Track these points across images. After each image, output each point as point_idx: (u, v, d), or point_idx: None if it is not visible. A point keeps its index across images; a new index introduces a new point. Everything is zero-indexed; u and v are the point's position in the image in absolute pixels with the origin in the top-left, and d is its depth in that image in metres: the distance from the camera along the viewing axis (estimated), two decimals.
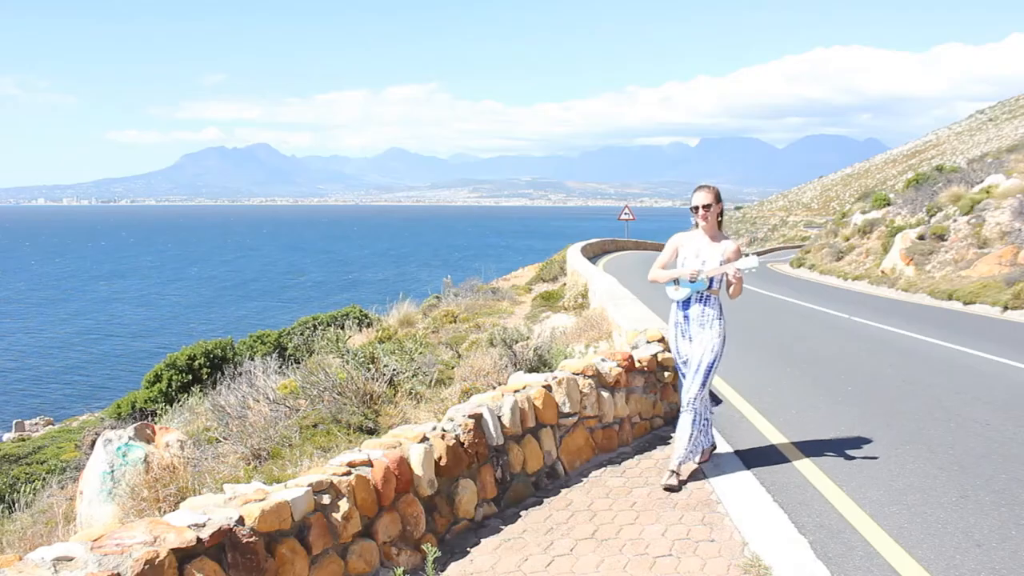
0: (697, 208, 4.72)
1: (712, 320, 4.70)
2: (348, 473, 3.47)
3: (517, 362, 7.09)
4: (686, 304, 4.75)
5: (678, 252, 4.79)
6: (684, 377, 4.83)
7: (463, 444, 4.16)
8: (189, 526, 2.72)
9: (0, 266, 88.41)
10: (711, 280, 4.66)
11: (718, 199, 4.76)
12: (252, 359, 9.25)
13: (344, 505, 3.33)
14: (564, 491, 4.70)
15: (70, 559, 2.42)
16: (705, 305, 4.70)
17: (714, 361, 4.68)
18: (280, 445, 5.66)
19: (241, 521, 2.88)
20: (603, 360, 5.67)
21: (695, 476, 4.94)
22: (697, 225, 4.79)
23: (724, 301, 4.98)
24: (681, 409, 4.79)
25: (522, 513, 4.36)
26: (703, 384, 4.68)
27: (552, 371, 5.82)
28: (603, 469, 5.11)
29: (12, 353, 39.79)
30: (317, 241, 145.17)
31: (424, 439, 3.94)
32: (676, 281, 4.73)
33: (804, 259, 30.68)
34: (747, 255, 4.49)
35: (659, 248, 46.03)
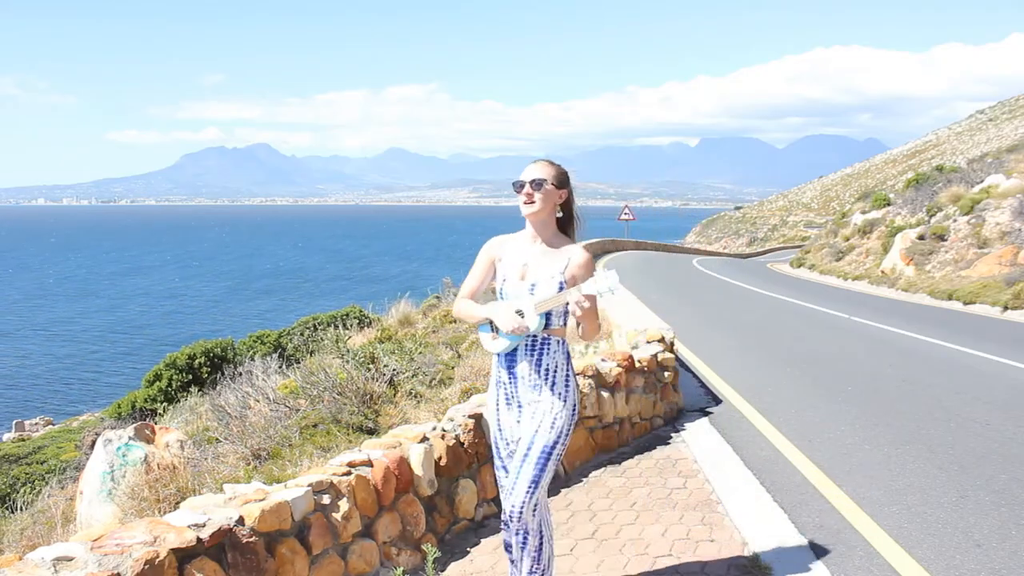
0: (522, 185, 2.92)
1: (553, 378, 2.91)
2: (348, 473, 3.47)
3: None
4: (511, 357, 2.94)
5: (495, 269, 3.03)
6: (502, 474, 3.02)
7: (463, 444, 4.16)
8: (189, 526, 2.72)
9: (1, 265, 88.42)
10: (548, 315, 2.88)
11: (563, 183, 2.97)
12: (252, 359, 9.26)
13: (344, 505, 3.33)
14: (564, 491, 4.70)
15: (70, 559, 2.42)
16: (541, 354, 2.90)
17: (555, 444, 2.86)
18: (280, 445, 5.66)
19: (241, 521, 2.88)
20: (603, 360, 5.67)
21: None
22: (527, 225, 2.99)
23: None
24: (502, 524, 2.96)
25: None
26: (535, 482, 2.82)
27: None
28: (603, 469, 5.11)
29: (13, 353, 39.78)
30: (322, 240, 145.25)
31: (424, 439, 3.94)
32: (492, 324, 2.93)
33: (804, 259, 30.69)
34: (604, 272, 2.74)
35: (660, 248, 45.90)
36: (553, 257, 2.93)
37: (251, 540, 2.87)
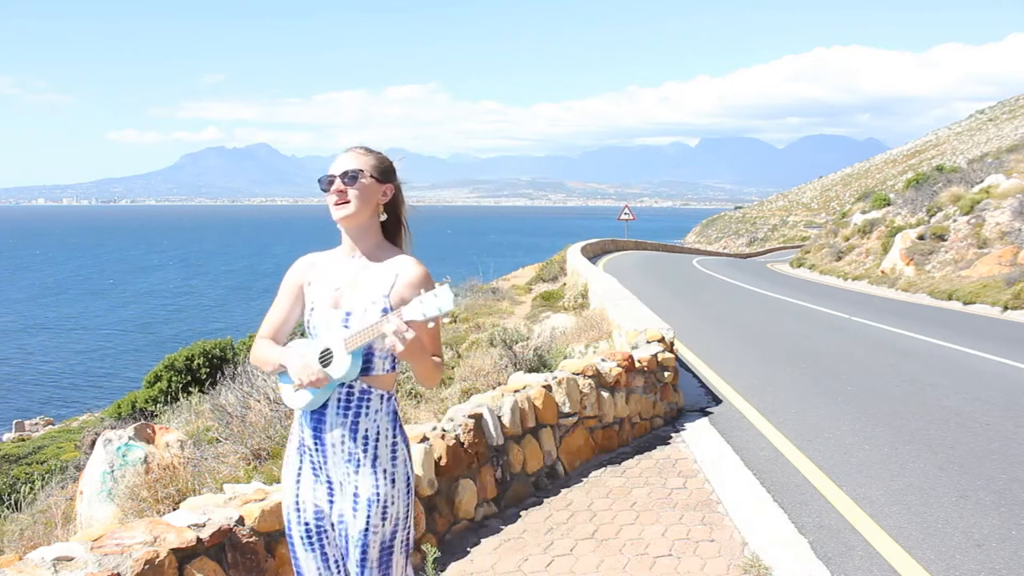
0: (331, 180, 2.20)
1: (375, 448, 2.17)
2: None
3: (517, 362, 7.09)
4: (319, 416, 2.18)
5: (304, 295, 2.29)
6: (301, 556, 2.24)
7: (463, 444, 4.16)
8: (189, 526, 2.72)
9: (1, 265, 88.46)
10: (369, 356, 2.17)
11: (387, 176, 2.26)
12: None
13: None
14: (564, 491, 4.70)
15: (70, 559, 2.42)
16: (359, 415, 2.17)
17: (394, 535, 2.19)
18: (280, 445, 5.66)
19: (241, 521, 2.88)
20: (603, 360, 5.67)
21: None
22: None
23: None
24: None
25: (522, 513, 4.36)
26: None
27: (552, 371, 5.83)
28: (603, 469, 5.11)
29: (13, 353, 39.79)
30: (324, 239, 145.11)
31: (424, 439, 3.94)
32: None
33: (804, 259, 30.69)
34: (434, 289, 2.00)
35: (660, 248, 45.83)
36: (376, 275, 2.20)
37: (251, 540, 2.87)
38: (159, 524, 2.70)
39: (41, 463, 11.73)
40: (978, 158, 32.69)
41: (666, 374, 6.34)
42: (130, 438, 5.76)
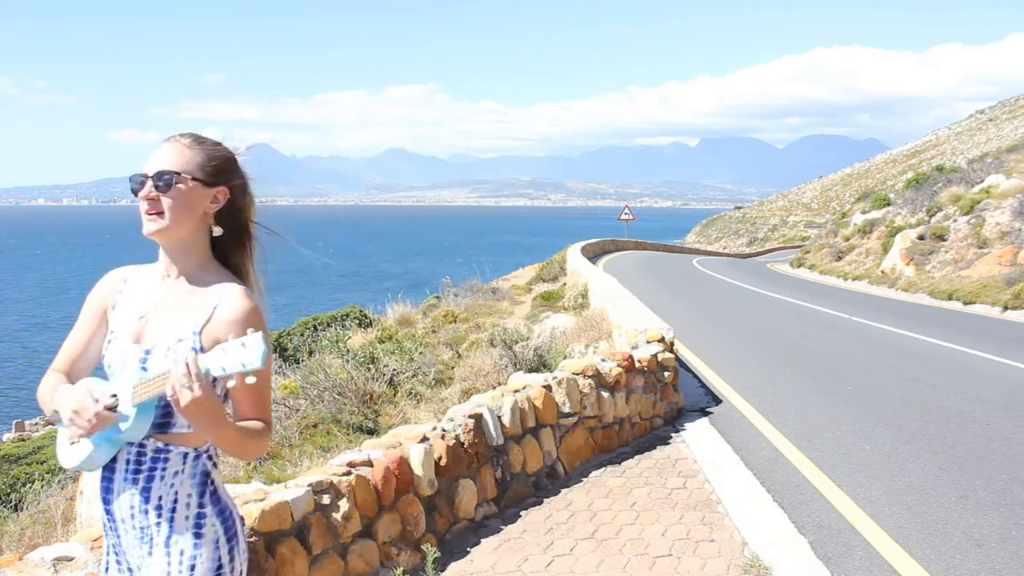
0: (141, 182, 1.72)
1: (171, 520, 1.68)
2: (348, 473, 3.47)
3: (517, 362, 7.10)
4: (108, 483, 1.71)
5: (108, 321, 1.82)
6: None
7: (463, 444, 4.16)
8: None
9: (2, 264, 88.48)
10: (169, 408, 1.67)
11: (218, 175, 1.76)
12: None
13: (344, 505, 3.33)
14: (564, 491, 4.71)
15: (70, 559, 2.42)
16: (152, 478, 1.68)
17: None
18: (280, 445, 5.67)
19: (241, 521, 2.88)
20: (603, 360, 5.67)
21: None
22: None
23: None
24: None
25: (522, 513, 4.36)
26: None
27: (552, 371, 5.83)
28: (603, 469, 5.12)
29: (15, 352, 39.80)
30: (326, 239, 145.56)
31: (424, 439, 3.94)
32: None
33: (804, 259, 30.69)
34: (247, 337, 1.48)
35: (660, 248, 45.83)
36: (190, 304, 1.71)
37: (251, 540, 2.87)
38: None
39: (41, 463, 11.73)
40: (978, 158, 32.69)
41: (666, 374, 6.34)
42: None
